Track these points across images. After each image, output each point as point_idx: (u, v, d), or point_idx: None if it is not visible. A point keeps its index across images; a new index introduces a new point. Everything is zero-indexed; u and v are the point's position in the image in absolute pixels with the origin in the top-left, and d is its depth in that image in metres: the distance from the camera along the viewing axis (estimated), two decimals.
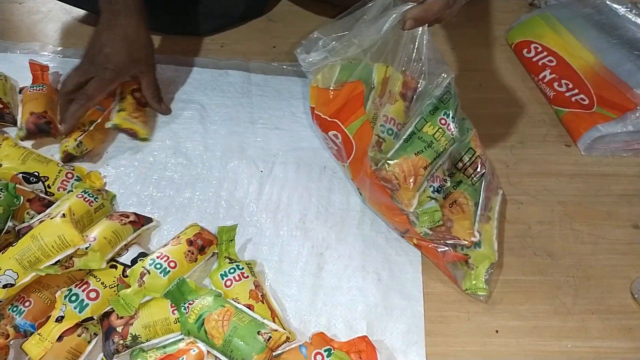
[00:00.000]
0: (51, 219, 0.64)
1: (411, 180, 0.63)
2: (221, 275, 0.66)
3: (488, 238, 0.69)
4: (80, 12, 1.01)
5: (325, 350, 0.59)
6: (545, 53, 0.90)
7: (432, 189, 0.65)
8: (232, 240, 0.69)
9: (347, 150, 0.68)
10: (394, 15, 0.59)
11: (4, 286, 0.59)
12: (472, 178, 0.69)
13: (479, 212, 0.68)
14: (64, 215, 0.64)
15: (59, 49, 0.97)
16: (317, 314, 0.67)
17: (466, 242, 0.66)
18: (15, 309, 0.61)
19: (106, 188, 0.77)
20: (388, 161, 0.63)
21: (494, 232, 0.70)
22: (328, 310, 0.67)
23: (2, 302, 0.62)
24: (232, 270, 0.66)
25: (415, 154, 0.64)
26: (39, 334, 0.60)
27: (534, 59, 0.90)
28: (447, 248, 0.66)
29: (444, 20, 0.60)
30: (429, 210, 0.65)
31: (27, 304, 0.62)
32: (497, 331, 0.66)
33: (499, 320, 0.67)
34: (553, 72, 0.88)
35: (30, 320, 0.61)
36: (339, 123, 0.67)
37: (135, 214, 0.72)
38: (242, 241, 0.72)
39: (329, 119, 0.67)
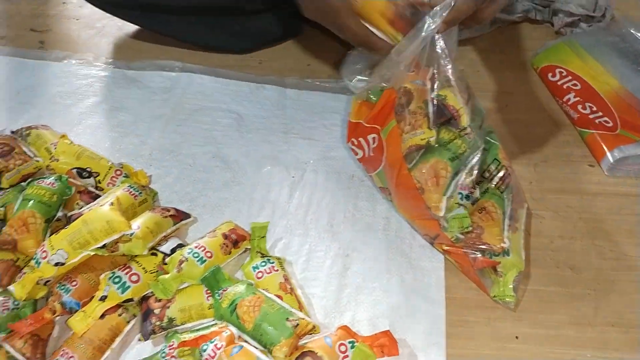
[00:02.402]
0: (100, 206, 0.69)
1: (434, 183, 0.66)
2: (253, 267, 0.69)
3: (516, 247, 0.70)
4: (131, 28, 1.10)
5: (349, 342, 0.62)
6: (569, 77, 0.93)
7: (460, 196, 0.68)
8: (263, 236, 0.73)
9: (379, 156, 0.71)
10: (425, 22, 0.63)
11: (56, 264, 0.64)
12: (499, 187, 0.71)
13: (506, 222, 0.70)
14: (112, 204, 0.70)
15: (111, 60, 1.05)
16: (342, 311, 0.69)
17: (497, 248, 0.68)
18: (62, 287, 0.66)
19: (150, 186, 0.83)
20: (417, 162, 0.67)
21: (521, 242, 0.72)
22: (352, 308, 0.70)
23: (50, 281, 0.67)
24: (263, 264, 0.70)
25: (432, 157, 0.67)
26: (83, 311, 0.65)
27: (559, 83, 0.94)
28: (478, 254, 0.68)
29: (483, 19, 0.63)
30: (458, 216, 0.67)
31: (73, 283, 0.67)
32: (517, 337, 0.67)
33: (519, 327, 0.68)
34: (577, 95, 0.91)
35: (76, 299, 0.66)
36: (377, 127, 0.70)
37: (175, 209, 0.77)
38: (273, 240, 0.76)
39: (366, 124, 0.72)
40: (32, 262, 0.66)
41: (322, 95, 0.98)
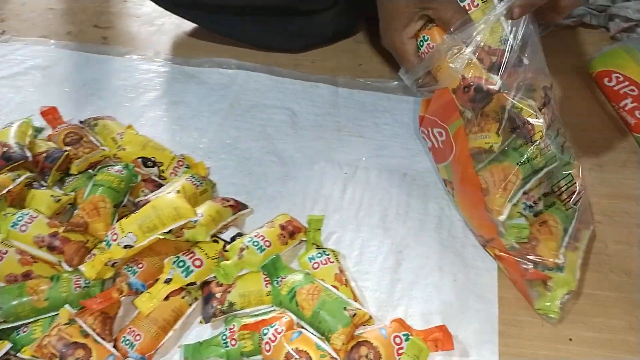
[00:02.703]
0: (167, 194, 0.73)
1: (501, 186, 0.66)
2: (309, 258, 0.72)
3: (571, 265, 0.70)
4: (188, 26, 1.14)
5: (403, 335, 0.63)
6: (627, 82, 0.92)
7: (524, 206, 0.68)
8: (319, 229, 0.75)
9: (448, 150, 0.72)
10: (501, 6, 0.62)
11: (125, 247, 0.68)
12: (566, 204, 0.71)
13: (566, 239, 0.69)
14: (178, 191, 0.73)
15: (170, 57, 1.09)
16: (394, 305, 0.71)
17: (550, 263, 0.67)
18: (130, 269, 0.70)
19: (209, 177, 0.86)
20: (487, 164, 0.67)
21: (578, 262, 0.71)
22: (405, 303, 0.71)
23: (118, 263, 0.71)
24: (319, 255, 0.72)
25: (505, 161, 0.67)
26: (148, 292, 0.68)
27: (615, 88, 0.93)
28: (530, 265, 0.67)
29: (563, 10, 0.61)
30: (517, 226, 0.68)
31: (140, 265, 0.70)
32: (570, 339, 0.67)
33: (573, 329, 0.68)
34: (635, 101, 0.90)
35: (142, 280, 0.69)
36: (442, 123, 0.71)
37: (235, 200, 0.80)
38: (326, 233, 0.78)
39: (431, 117, 0.73)
40: (103, 244, 0.70)
41: (373, 94, 1.00)
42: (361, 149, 0.90)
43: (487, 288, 0.72)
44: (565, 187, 0.71)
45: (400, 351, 0.62)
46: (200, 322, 0.69)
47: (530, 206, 0.68)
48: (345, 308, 0.63)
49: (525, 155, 0.67)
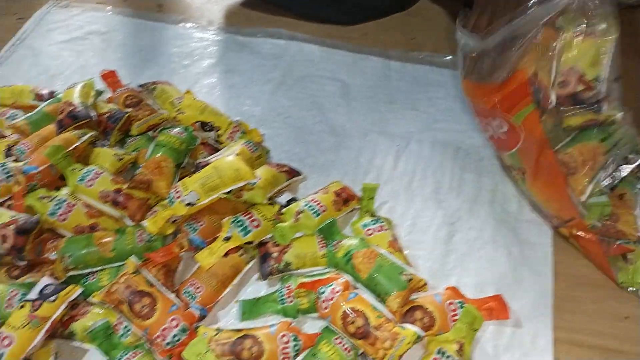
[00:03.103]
0: (228, 156, 0.74)
1: (588, 165, 0.65)
2: (362, 225, 0.73)
3: None
4: None
5: (458, 302, 0.64)
6: None
7: (605, 182, 0.66)
8: (372, 198, 0.76)
9: (513, 139, 0.71)
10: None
11: (187, 204, 0.70)
12: (637, 175, 0.69)
13: (637, 211, 0.68)
14: (238, 154, 0.75)
15: (223, 26, 1.10)
16: (447, 275, 0.71)
17: (632, 237, 0.66)
18: (190, 226, 0.72)
19: (262, 144, 0.87)
20: (567, 145, 0.66)
21: None
22: (458, 273, 0.71)
23: (178, 220, 0.74)
24: (373, 222, 0.73)
25: (595, 142, 0.65)
26: (208, 248, 0.70)
27: None
28: (614, 241, 0.67)
29: None
30: (599, 204, 0.66)
31: (200, 223, 0.73)
32: (626, 317, 0.67)
33: (629, 307, 0.68)
34: None
35: (201, 237, 0.72)
36: (503, 113, 0.70)
37: (289, 166, 0.81)
38: (378, 202, 0.79)
39: (489, 109, 0.72)
40: (166, 201, 0.72)
41: (426, 68, 0.99)
42: (414, 122, 0.90)
43: (542, 263, 0.72)
44: (633, 159, 0.69)
45: (455, 318, 0.63)
46: (258, 279, 0.71)
47: (610, 182, 0.66)
48: (401, 273, 0.64)
49: (607, 132, 0.65)
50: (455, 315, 0.63)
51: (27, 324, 0.61)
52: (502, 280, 0.70)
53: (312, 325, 0.67)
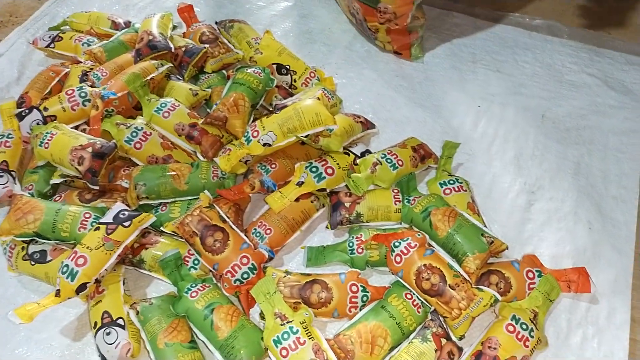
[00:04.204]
0: (308, 99, 0.72)
1: None
2: (440, 184, 0.70)
3: None
4: None
5: (536, 271, 0.61)
6: None
7: None
8: (451, 157, 0.73)
9: None
10: None
11: (264, 144, 0.69)
12: None
13: None
14: (318, 98, 0.72)
15: None
16: (523, 243, 0.69)
17: None
18: (263, 167, 0.71)
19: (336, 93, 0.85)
20: None
21: None
22: (534, 243, 0.69)
23: (250, 161, 0.73)
24: (451, 182, 0.70)
25: None
26: (280, 192, 0.69)
27: None
28: None
29: None
30: None
31: (273, 166, 0.71)
32: None
33: None
34: None
35: (274, 180, 0.71)
36: None
37: (365, 117, 0.79)
38: (454, 163, 0.76)
39: None
40: (242, 140, 0.71)
41: (514, 30, 0.93)
42: (498, 85, 0.85)
43: (625, 241, 0.68)
44: None
45: (532, 286, 0.61)
46: (326, 228, 0.70)
47: None
48: (482, 234, 0.62)
49: None
50: (532, 283, 0.61)
51: (101, 246, 0.62)
52: (580, 254, 0.67)
53: (376, 279, 0.66)
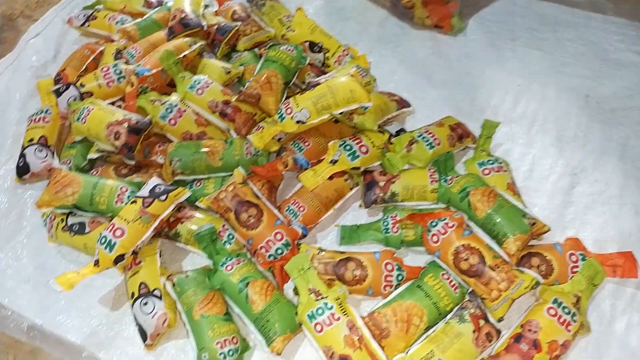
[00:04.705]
0: (342, 77, 0.71)
1: None
2: (479, 164, 0.68)
3: None
4: None
5: (580, 254, 0.59)
6: None
7: None
8: (490, 136, 0.71)
9: None
10: None
11: (298, 122, 0.68)
12: None
13: None
14: (352, 75, 0.71)
15: None
16: (564, 227, 0.66)
17: None
18: (296, 145, 0.71)
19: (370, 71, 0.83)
20: None
21: None
22: (577, 226, 0.66)
23: (282, 139, 0.72)
24: (490, 162, 0.68)
25: None
26: (313, 170, 0.68)
27: None
28: None
29: None
30: None
31: (306, 143, 0.71)
32: None
33: None
34: None
35: (306, 158, 0.70)
36: None
37: (400, 96, 0.77)
38: (492, 144, 0.73)
39: None
40: (275, 117, 0.71)
41: (555, 7, 0.90)
42: (539, 63, 0.82)
43: None
44: None
45: (575, 270, 0.59)
46: (360, 207, 0.69)
47: None
48: (524, 216, 0.60)
49: None
50: (575, 267, 0.59)
51: (138, 218, 0.62)
52: (625, 238, 0.64)
53: (411, 259, 0.65)
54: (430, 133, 0.69)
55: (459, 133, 0.71)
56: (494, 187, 0.64)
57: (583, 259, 0.59)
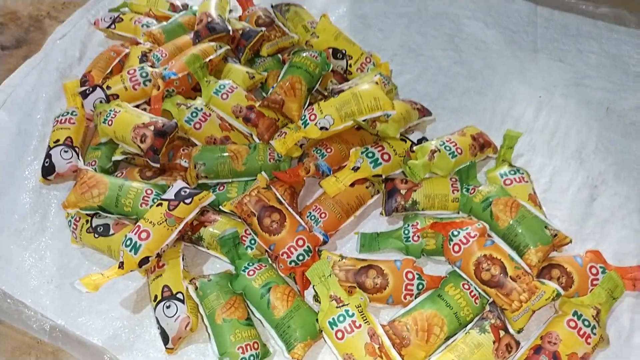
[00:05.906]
0: (366, 84, 0.72)
1: None
2: (500, 174, 0.69)
3: None
4: None
5: (600, 267, 0.60)
6: None
7: None
8: (512, 147, 0.71)
9: None
10: None
11: (321, 128, 0.69)
12: None
13: None
14: (376, 83, 0.72)
15: None
16: (584, 239, 0.67)
17: None
18: (318, 151, 0.72)
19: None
20: None
21: None
22: (596, 239, 0.67)
23: (305, 145, 0.73)
24: (512, 172, 0.68)
25: None
26: (335, 176, 0.69)
27: None
28: None
29: None
30: None
31: (328, 150, 0.72)
32: None
33: None
34: None
35: (328, 164, 0.71)
36: None
37: (422, 104, 0.78)
38: (513, 154, 0.74)
39: None
40: (299, 123, 0.72)
41: (577, 18, 0.90)
42: (560, 75, 0.83)
43: None
44: None
45: (595, 282, 0.59)
46: (380, 214, 0.70)
47: None
48: (546, 227, 0.60)
49: None
50: (595, 279, 0.59)
51: (164, 221, 0.63)
52: None
53: (431, 268, 0.66)
54: (452, 142, 0.70)
55: (481, 142, 0.72)
56: (516, 198, 0.64)
57: (603, 272, 0.59)
